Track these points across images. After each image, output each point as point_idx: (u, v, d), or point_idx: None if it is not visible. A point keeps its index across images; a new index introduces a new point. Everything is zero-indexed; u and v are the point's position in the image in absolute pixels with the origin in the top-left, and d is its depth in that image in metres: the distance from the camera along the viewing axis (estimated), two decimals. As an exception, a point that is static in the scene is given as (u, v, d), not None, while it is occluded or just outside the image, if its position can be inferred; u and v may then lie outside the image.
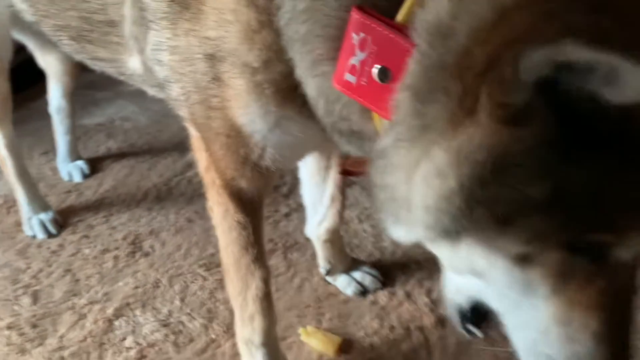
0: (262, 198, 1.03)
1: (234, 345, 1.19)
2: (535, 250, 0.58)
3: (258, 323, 1.08)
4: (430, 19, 0.60)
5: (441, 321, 1.29)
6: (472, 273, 0.65)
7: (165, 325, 1.33)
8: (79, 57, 1.31)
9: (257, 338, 1.10)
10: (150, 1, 0.94)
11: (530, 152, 0.52)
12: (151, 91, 1.20)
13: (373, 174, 0.66)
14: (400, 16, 0.64)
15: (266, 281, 1.07)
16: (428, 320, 1.29)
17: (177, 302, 1.40)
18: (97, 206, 1.83)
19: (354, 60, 0.64)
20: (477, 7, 0.56)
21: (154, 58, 0.98)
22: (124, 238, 1.66)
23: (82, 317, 1.37)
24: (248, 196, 1.00)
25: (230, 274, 1.08)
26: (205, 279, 1.48)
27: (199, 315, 1.36)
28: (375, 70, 0.63)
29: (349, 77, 0.66)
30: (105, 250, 1.61)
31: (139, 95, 2.73)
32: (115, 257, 1.58)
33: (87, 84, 2.42)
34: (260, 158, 0.91)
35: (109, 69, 1.26)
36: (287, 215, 1.73)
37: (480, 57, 0.54)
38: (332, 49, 0.69)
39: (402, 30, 0.62)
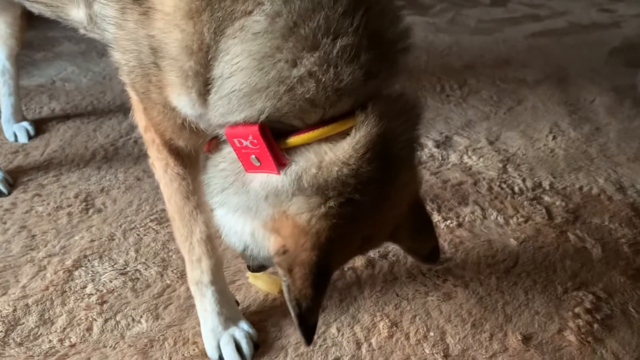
0: (199, 152, 1.16)
1: (188, 289, 1.33)
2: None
3: (205, 264, 1.22)
4: (290, 173, 0.88)
5: (371, 262, 1.48)
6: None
7: (122, 274, 1.45)
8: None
9: (206, 277, 1.23)
10: None
11: None
12: (89, 35, 1.25)
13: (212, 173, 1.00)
14: (288, 142, 0.88)
15: (208, 225, 1.20)
16: (359, 262, 1.48)
17: (132, 253, 1.52)
18: (46, 166, 1.90)
19: (243, 140, 0.89)
20: (295, 202, 0.88)
21: (101, 20, 1.05)
22: (76, 196, 1.75)
23: (42, 268, 1.47)
24: (185, 152, 1.14)
25: (176, 222, 1.21)
26: (157, 232, 1.60)
27: (154, 264, 1.48)
28: (253, 157, 0.90)
29: (236, 141, 0.90)
30: (59, 208, 1.70)
31: (79, 56, 2.77)
32: (69, 214, 1.67)
33: (25, 44, 2.39)
34: (194, 126, 1.02)
35: (47, 12, 1.31)
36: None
37: (282, 225, 0.90)
38: (236, 122, 0.90)
39: (279, 155, 0.88)
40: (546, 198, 1.76)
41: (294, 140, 0.88)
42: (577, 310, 1.36)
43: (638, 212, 1.70)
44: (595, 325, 1.32)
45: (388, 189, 0.90)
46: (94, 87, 2.43)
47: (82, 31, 1.27)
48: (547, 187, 1.81)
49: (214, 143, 1.02)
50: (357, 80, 0.84)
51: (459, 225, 1.63)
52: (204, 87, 0.90)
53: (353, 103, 0.86)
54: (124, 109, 2.25)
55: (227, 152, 0.96)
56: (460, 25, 3.33)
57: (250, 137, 0.87)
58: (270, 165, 0.89)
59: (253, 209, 0.93)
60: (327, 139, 0.87)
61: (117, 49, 1.02)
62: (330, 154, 0.86)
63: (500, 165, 1.93)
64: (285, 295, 0.91)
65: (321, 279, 0.89)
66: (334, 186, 0.86)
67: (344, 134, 0.86)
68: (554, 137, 2.11)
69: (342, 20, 0.82)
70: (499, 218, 1.66)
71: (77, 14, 1.18)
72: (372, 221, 0.93)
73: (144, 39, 0.95)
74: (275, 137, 0.88)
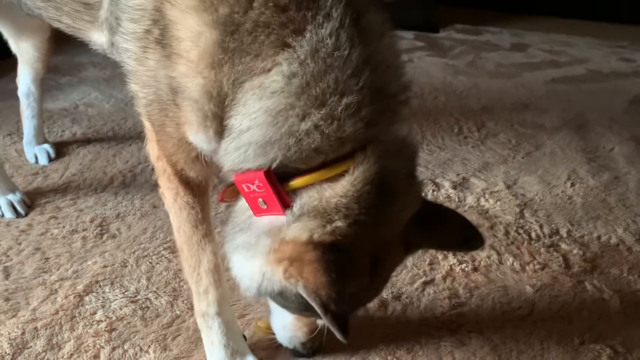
0: (208, 183, 1.20)
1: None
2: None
3: (212, 295, 1.22)
4: (294, 210, 0.95)
5: (383, 303, 1.45)
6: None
7: (133, 302, 1.44)
8: (37, 12, 1.37)
9: (212, 309, 1.23)
10: (125, 20, 1.04)
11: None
12: (109, 56, 1.27)
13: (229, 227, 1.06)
14: (291, 184, 0.95)
15: (216, 254, 1.21)
16: (371, 303, 1.45)
17: (144, 281, 1.51)
18: (64, 189, 1.91)
19: (250, 184, 0.96)
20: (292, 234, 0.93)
21: (122, 52, 1.07)
22: (92, 220, 1.75)
23: (53, 292, 1.46)
24: (195, 182, 1.16)
25: (184, 253, 1.22)
26: (170, 260, 1.59)
27: (165, 293, 1.48)
28: (260, 200, 0.96)
29: (244, 186, 0.97)
30: (74, 231, 1.70)
31: (103, 82, 2.82)
32: (84, 238, 1.67)
33: (51, 68, 2.46)
34: (208, 159, 1.06)
35: (67, 31, 1.34)
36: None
37: (282, 251, 0.95)
38: (249, 169, 0.96)
39: (283, 196, 0.95)
40: (563, 246, 1.73)
41: (297, 182, 0.95)
42: (594, 363, 1.32)
43: (658, 265, 1.66)
44: (613, 381, 1.28)
45: (389, 214, 0.97)
46: (116, 113, 2.47)
47: (99, 50, 1.30)
48: (565, 235, 1.78)
49: (228, 192, 1.08)
50: (357, 130, 0.92)
51: (475, 269, 1.61)
52: (220, 126, 0.97)
53: (353, 147, 0.93)
54: (144, 136, 2.26)
55: (241, 204, 1.04)
56: (479, 68, 3.36)
57: (257, 182, 0.95)
58: (276, 206, 0.95)
59: (254, 244, 0.99)
60: (328, 179, 0.94)
61: (135, 81, 1.06)
62: (330, 190, 0.94)
63: (518, 210, 1.91)
64: (305, 295, 0.92)
65: (332, 266, 0.90)
66: (337, 210, 0.92)
67: (344, 174, 0.93)
68: (572, 184, 2.09)
69: (349, 81, 0.90)
70: (515, 264, 1.64)
71: (98, 38, 1.22)
72: (375, 239, 0.97)
73: (164, 78, 0.99)
74: (280, 181, 0.95)
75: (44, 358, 1.27)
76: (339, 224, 0.92)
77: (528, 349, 1.35)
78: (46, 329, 1.35)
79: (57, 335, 1.33)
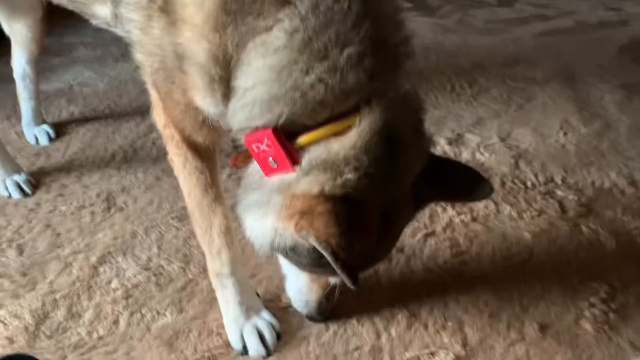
0: (216, 146, 1.23)
1: (210, 283, 1.36)
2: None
3: (225, 255, 1.26)
4: (302, 166, 0.97)
5: (387, 257, 1.50)
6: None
7: (146, 269, 1.49)
8: None
9: (226, 269, 1.27)
10: None
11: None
12: (112, 30, 1.29)
13: (242, 189, 1.09)
14: (299, 141, 0.97)
15: (227, 217, 1.25)
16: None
17: (155, 250, 1.56)
18: (67, 167, 1.94)
19: (260, 144, 0.98)
20: (305, 185, 0.96)
21: (126, 22, 1.09)
22: (98, 195, 1.79)
23: (68, 265, 1.51)
24: (203, 147, 1.19)
25: (195, 216, 1.26)
26: (178, 229, 1.64)
27: (176, 259, 1.52)
28: (270, 159, 0.99)
29: (254, 147, 0.99)
30: (81, 207, 1.74)
31: (95, 61, 2.83)
32: (92, 213, 1.71)
33: (41, 50, 2.46)
34: (214, 123, 1.09)
35: (70, 6, 1.36)
36: (248, 171, 1.89)
37: (294, 206, 0.96)
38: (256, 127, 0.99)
39: (292, 152, 0.97)
40: (559, 192, 1.78)
41: (304, 138, 0.97)
42: (592, 300, 1.38)
43: (650, 205, 1.72)
44: (611, 315, 1.34)
45: (397, 167, 0.99)
46: (111, 91, 2.48)
47: (101, 25, 1.31)
48: (560, 182, 1.84)
49: (240, 157, 1.10)
50: (361, 82, 0.93)
51: (473, 219, 1.66)
52: (227, 89, 0.99)
53: (357, 101, 0.95)
54: (141, 111, 2.30)
55: (253, 167, 1.07)
56: (468, 25, 3.36)
57: (266, 140, 0.97)
58: (285, 164, 0.98)
59: (266, 202, 1.01)
60: (335, 134, 0.96)
61: (140, 51, 1.08)
62: (337, 144, 0.95)
63: (512, 161, 1.95)
64: (316, 245, 0.94)
65: (343, 217, 0.92)
66: (346, 163, 0.94)
67: (351, 128, 0.95)
68: (565, 134, 2.13)
69: (350, 32, 0.92)
70: (512, 212, 1.69)
71: (101, 11, 1.23)
72: (385, 194, 0.99)
73: (170, 45, 1.01)
74: (288, 138, 0.97)
75: (65, 327, 1.32)
76: (349, 176, 0.94)
77: (529, 290, 1.41)
78: (65, 300, 1.39)
79: (76, 305, 1.38)
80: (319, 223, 0.93)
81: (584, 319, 1.33)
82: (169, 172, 1.89)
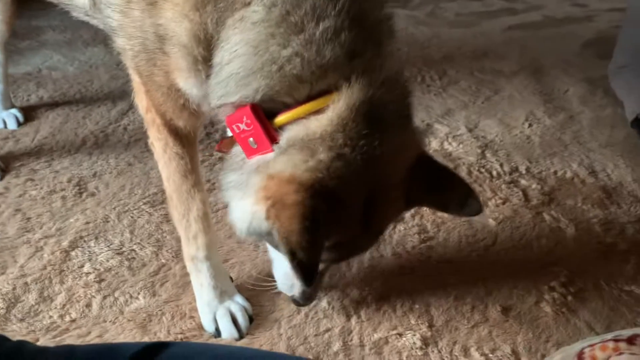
0: (196, 132, 1.24)
1: (183, 267, 1.38)
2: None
3: (201, 240, 1.28)
4: (280, 144, 0.96)
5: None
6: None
7: (119, 254, 1.50)
8: None
9: (201, 253, 1.29)
10: None
11: None
12: (91, 21, 1.30)
13: (224, 172, 1.06)
14: (278, 120, 0.96)
15: (205, 202, 1.26)
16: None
17: (127, 234, 1.57)
18: (37, 152, 1.92)
19: (240, 123, 0.97)
20: (280, 166, 0.93)
21: (105, 7, 1.10)
22: (69, 180, 1.78)
23: (39, 249, 1.50)
24: (184, 132, 1.20)
25: (173, 201, 1.27)
26: (150, 214, 1.65)
27: (149, 244, 1.53)
28: (251, 139, 0.97)
29: (234, 127, 0.98)
30: (52, 192, 1.73)
31: (64, 45, 2.79)
32: (63, 197, 1.71)
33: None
34: (196, 107, 1.10)
35: None
36: (221, 158, 1.90)
37: (268, 188, 0.93)
38: (232, 103, 0.97)
39: (270, 131, 0.96)
40: (523, 181, 1.85)
41: (283, 117, 0.96)
42: (552, 284, 1.44)
43: (609, 194, 1.79)
44: (569, 298, 1.41)
45: (379, 151, 0.94)
46: (81, 75, 2.46)
47: (81, 17, 1.31)
48: (524, 171, 1.90)
49: (225, 142, 1.09)
50: (339, 58, 0.92)
51: (441, 206, 1.71)
52: (209, 70, 0.98)
53: (338, 79, 0.93)
54: (112, 96, 2.29)
55: (235, 150, 1.05)
56: (439, 18, 3.41)
57: (245, 119, 0.95)
58: (265, 143, 0.96)
59: (245, 182, 0.99)
60: (314, 113, 0.94)
61: (121, 35, 1.08)
62: (315, 122, 0.93)
63: (479, 151, 2.01)
64: (277, 239, 0.90)
65: (313, 213, 0.89)
66: (322, 141, 0.91)
67: (331, 106, 0.93)
68: (530, 125, 2.20)
69: (326, 6, 0.91)
70: (478, 200, 1.74)
71: (80, 0, 1.23)
72: (366, 182, 0.95)
73: (150, 27, 1.01)
74: (268, 118, 0.96)
75: (37, 310, 1.33)
76: (322, 156, 0.91)
77: (493, 275, 1.47)
78: (36, 284, 1.39)
79: (47, 289, 1.38)
80: (285, 216, 0.90)
81: (544, 302, 1.39)
82: (140, 158, 1.90)
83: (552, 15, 3.49)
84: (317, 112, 0.94)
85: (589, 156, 2.00)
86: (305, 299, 1.25)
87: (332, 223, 0.93)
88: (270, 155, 0.97)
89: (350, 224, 0.99)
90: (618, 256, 1.54)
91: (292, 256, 0.89)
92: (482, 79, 2.59)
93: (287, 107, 0.95)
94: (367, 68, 0.94)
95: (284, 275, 1.23)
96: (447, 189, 1.07)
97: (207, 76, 0.99)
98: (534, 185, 1.83)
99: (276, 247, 1.02)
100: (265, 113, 0.96)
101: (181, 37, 0.97)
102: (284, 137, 0.96)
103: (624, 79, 2.31)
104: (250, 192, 0.96)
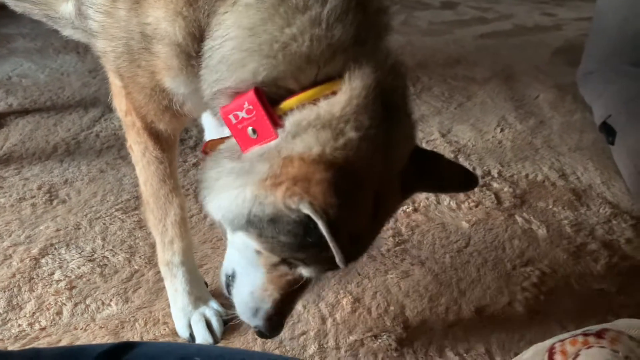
0: (177, 136, 1.23)
1: (157, 273, 1.37)
2: (266, 252, 0.99)
3: (177, 245, 1.26)
4: (287, 127, 0.90)
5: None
6: (233, 250, 1.06)
7: (90, 261, 1.47)
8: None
9: (177, 258, 1.27)
10: None
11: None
12: (75, 35, 1.27)
13: (209, 166, 0.99)
14: (282, 106, 0.91)
15: (183, 207, 1.25)
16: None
17: (99, 241, 1.54)
18: (6, 159, 1.89)
19: (239, 112, 0.91)
20: (299, 146, 0.87)
21: (87, 8, 1.07)
22: (39, 188, 1.75)
23: (8, 257, 1.47)
24: (164, 136, 1.18)
25: (150, 205, 1.25)
26: (123, 221, 1.62)
27: (121, 250, 1.51)
28: (250, 129, 0.92)
29: (231, 117, 0.93)
30: (22, 199, 1.70)
31: (35, 52, 2.75)
32: (33, 205, 1.67)
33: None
34: (179, 108, 1.08)
35: (34, 11, 1.32)
36: (195, 164, 1.90)
37: (285, 173, 0.87)
38: (227, 87, 0.93)
39: (274, 116, 0.90)
40: (495, 185, 1.87)
41: (288, 102, 0.90)
42: (524, 284, 1.46)
43: (578, 196, 1.83)
44: (542, 297, 1.43)
45: (395, 136, 0.92)
46: (52, 83, 2.42)
47: (67, 32, 1.29)
48: (496, 175, 1.92)
49: (212, 143, 1.06)
50: (347, 40, 0.89)
51: (415, 210, 1.72)
52: (201, 61, 0.96)
53: (345, 63, 0.89)
54: (84, 104, 2.26)
55: (226, 146, 0.99)
56: (412, 26, 3.46)
57: (246, 104, 0.90)
58: (268, 130, 0.90)
59: (247, 170, 0.92)
60: (323, 97, 0.89)
61: (103, 37, 1.06)
62: (328, 105, 0.88)
63: (452, 155, 2.03)
64: (311, 212, 0.84)
65: (343, 190, 0.83)
66: (346, 121, 0.86)
67: (341, 89, 0.89)
68: (502, 130, 2.24)
69: None
70: (451, 203, 1.76)
71: (65, 8, 1.21)
72: (382, 170, 0.92)
73: (136, 26, 0.99)
74: (271, 105, 0.91)
75: (5, 318, 1.29)
76: (352, 135, 0.86)
77: (466, 276, 1.48)
78: (4, 292, 1.36)
79: (16, 297, 1.35)
80: (317, 190, 0.83)
81: (517, 302, 1.41)
82: (113, 164, 1.88)
83: (522, 24, 3.57)
84: (325, 97, 0.89)
85: (559, 160, 2.04)
86: (271, 329, 1.08)
87: (352, 209, 0.88)
88: (276, 141, 0.90)
89: (363, 213, 0.93)
90: (588, 256, 1.57)
91: (333, 230, 0.83)
92: (455, 86, 2.63)
93: (291, 93, 0.90)
94: (375, 53, 0.92)
95: (249, 294, 1.06)
96: (439, 170, 1.07)
97: (199, 68, 0.96)
98: (506, 189, 1.85)
99: (273, 238, 0.93)
100: (268, 99, 0.90)
101: (175, 36, 0.95)
102: (290, 121, 0.89)
103: (592, 84, 2.36)
104: (255, 179, 0.90)
